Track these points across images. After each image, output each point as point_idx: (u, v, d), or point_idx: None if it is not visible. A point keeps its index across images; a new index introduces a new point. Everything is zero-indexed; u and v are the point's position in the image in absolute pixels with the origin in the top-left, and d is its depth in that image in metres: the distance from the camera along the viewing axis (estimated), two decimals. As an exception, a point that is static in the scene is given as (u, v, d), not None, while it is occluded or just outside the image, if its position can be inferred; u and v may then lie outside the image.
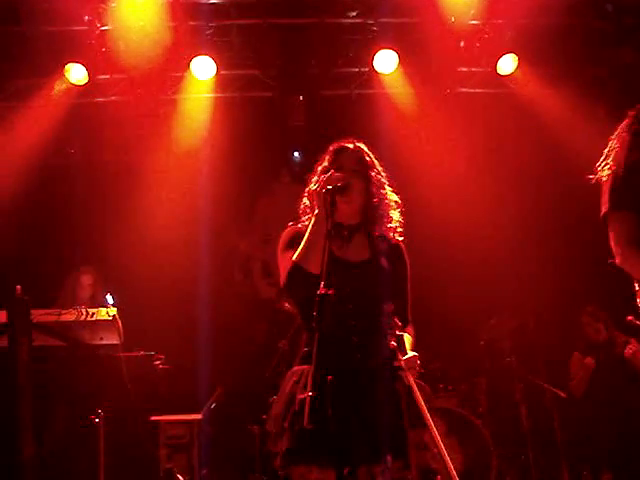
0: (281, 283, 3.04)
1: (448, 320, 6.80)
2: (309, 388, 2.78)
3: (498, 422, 6.25)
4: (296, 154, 7.65)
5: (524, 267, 7.02)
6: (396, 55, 6.70)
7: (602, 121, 6.40)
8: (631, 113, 3.43)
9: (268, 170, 7.63)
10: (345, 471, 2.82)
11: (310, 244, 2.96)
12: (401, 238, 3.28)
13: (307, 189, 3.22)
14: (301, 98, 7.09)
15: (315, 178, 3.19)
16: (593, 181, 3.42)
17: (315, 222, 2.97)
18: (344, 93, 7.18)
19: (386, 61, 6.75)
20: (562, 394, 6.28)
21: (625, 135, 3.39)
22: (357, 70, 7.05)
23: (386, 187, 3.25)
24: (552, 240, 7.04)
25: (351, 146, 3.20)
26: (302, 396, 2.85)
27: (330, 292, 2.73)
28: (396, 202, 3.27)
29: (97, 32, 6.24)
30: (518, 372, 6.42)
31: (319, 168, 3.21)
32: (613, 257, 3.37)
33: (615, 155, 3.40)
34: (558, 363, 6.59)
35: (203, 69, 6.55)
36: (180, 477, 5.50)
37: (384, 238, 3.22)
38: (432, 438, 2.92)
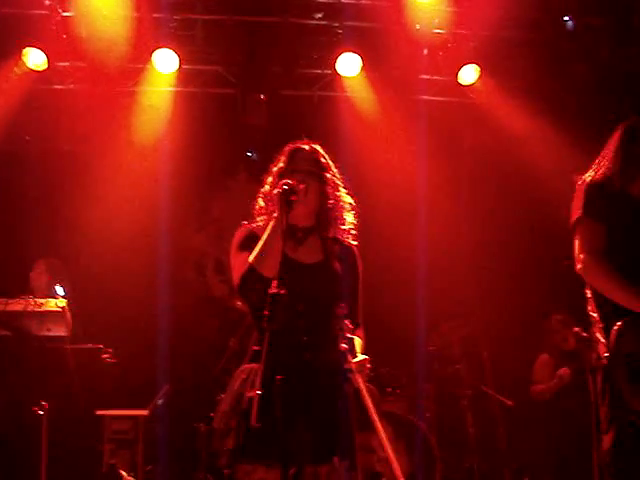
0: (234, 284, 3.03)
1: (399, 325, 6.85)
2: (257, 387, 2.79)
3: (444, 428, 6.30)
4: (249, 153, 7.63)
5: (478, 275, 7.11)
6: (360, 59, 6.73)
7: (559, 135, 6.51)
8: (622, 125, 3.56)
9: (225, 167, 7.59)
10: (291, 471, 2.82)
11: (267, 247, 2.95)
12: (355, 241, 3.29)
13: (262, 190, 3.22)
14: (262, 97, 7.06)
15: (270, 179, 3.19)
16: (579, 182, 3.50)
17: (274, 225, 2.96)
18: (306, 94, 7.18)
19: (349, 64, 6.77)
20: (508, 402, 6.37)
21: (613, 147, 3.54)
22: (320, 72, 7.06)
23: (341, 189, 3.25)
24: (506, 249, 7.14)
25: (307, 147, 3.20)
26: (250, 394, 2.85)
27: (282, 292, 2.73)
28: (350, 205, 3.27)
29: (58, 18, 6.15)
30: (466, 379, 6.48)
31: (274, 169, 3.21)
32: (570, 260, 3.45)
33: (599, 164, 3.54)
34: (506, 371, 6.68)
35: (165, 62, 6.49)
36: (123, 473, 5.43)
37: (338, 241, 3.23)
38: (379, 442, 2.93)
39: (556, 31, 6.72)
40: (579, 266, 3.36)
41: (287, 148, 3.22)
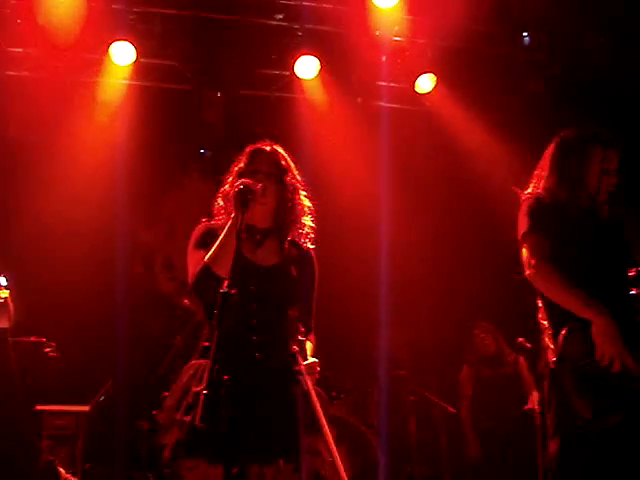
0: (189, 281, 3.02)
1: (345, 329, 6.88)
2: (204, 384, 2.78)
3: (387, 433, 6.34)
4: (202, 151, 7.58)
5: (425, 281, 7.19)
6: (318, 62, 6.74)
7: (510, 148, 6.61)
8: (557, 137, 3.61)
9: (179, 164, 7.53)
10: (234, 470, 2.82)
11: (222, 247, 2.94)
12: (312, 245, 3.31)
13: (222, 189, 3.21)
14: (219, 95, 7.03)
15: (230, 179, 3.19)
16: (519, 195, 3.55)
17: (230, 225, 2.96)
18: (263, 94, 7.17)
19: (307, 67, 6.79)
20: (451, 409, 6.44)
21: (548, 160, 3.59)
22: (278, 73, 7.05)
23: (301, 193, 3.26)
24: (455, 255, 7.23)
25: (268, 148, 3.20)
26: (197, 389, 2.86)
27: (232, 292, 2.74)
28: (309, 208, 3.28)
29: (12, 2, 6.02)
30: (410, 385, 6.54)
31: (235, 169, 3.20)
32: (519, 274, 3.50)
33: (538, 178, 3.59)
34: (450, 378, 6.76)
35: (122, 54, 6.40)
36: (61, 470, 5.33)
37: (295, 244, 3.24)
38: (326, 445, 2.94)
39: (512, 45, 6.84)
40: (528, 271, 3.40)
41: (248, 148, 3.22)
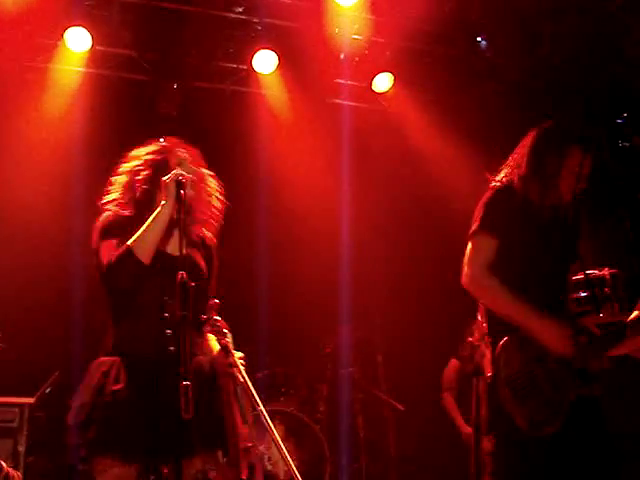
0: (103, 265, 2.96)
1: (296, 325, 6.89)
2: (122, 383, 2.85)
3: (335, 429, 6.36)
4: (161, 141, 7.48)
5: (377, 280, 7.23)
6: (276, 57, 6.73)
7: (465, 150, 6.69)
8: (535, 130, 3.51)
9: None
10: (152, 467, 2.81)
11: (150, 233, 2.93)
12: (210, 234, 3.33)
13: (127, 179, 3.17)
14: (175, 86, 6.95)
15: (140, 168, 3.17)
16: (489, 181, 3.45)
17: (161, 211, 2.94)
18: (219, 87, 7.11)
19: (265, 61, 6.76)
20: (399, 407, 6.48)
21: (524, 152, 3.50)
22: (235, 66, 6.99)
23: (210, 185, 3.25)
24: (410, 255, 7.28)
25: (179, 142, 3.24)
26: (116, 388, 2.84)
27: (192, 284, 2.72)
28: (215, 198, 3.28)
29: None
30: (359, 382, 6.57)
31: (147, 157, 3.20)
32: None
33: (510, 169, 3.51)
34: (399, 376, 6.81)
35: (78, 41, 6.27)
36: (2, 463, 5.21)
37: (201, 237, 3.26)
38: (271, 437, 2.93)
39: (469, 48, 6.91)
40: (464, 279, 3.39)
41: (160, 141, 3.21)
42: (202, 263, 3.17)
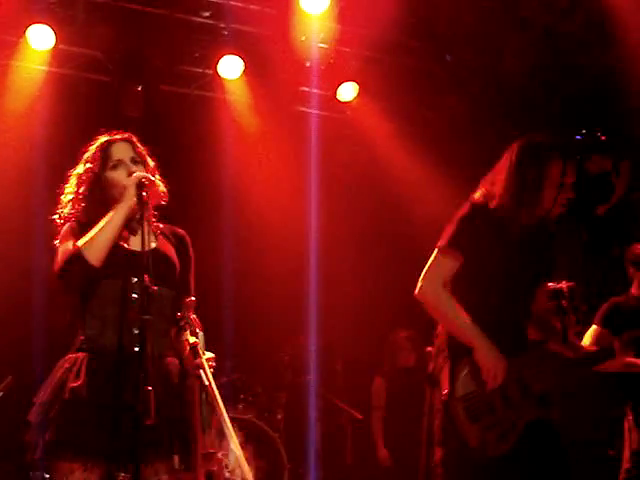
0: (56, 267, 2.91)
1: (256, 332, 6.86)
2: (81, 379, 2.76)
3: (293, 437, 6.33)
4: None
5: (340, 288, 7.23)
6: (242, 63, 6.71)
7: (429, 162, 6.75)
8: (518, 143, 3.40)
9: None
10: (114, 470, 2.74)
11: (102, 235, 2.87)
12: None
13: (81, 189, 3.08)
14: (140, 89, 6.88)
15: (86, 177, 3.08)
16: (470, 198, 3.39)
17: (116, 213, 2.89)
18: (184, 92, 7.08)
19: (231, 67, 6.75)
20: (358, 415, 6.47)
21: (506, 167, 3.41)
22: (201, 71, 6.98)
23: (157, 175, 3.21)
24: (373, 265, 7.30)
25: (122, 137, 3.15)
26: (74, 385, 2.77)
27: (154, 288, 2.69)
28: (164, 193, 3.21)
29: None
30: (318, 390, 6.55)
31: (89, 166, 3.10)
32: None
33: (491, 185, 3.44)
34: (358, 385, 6.81)
35: (41, 39, 6.17)
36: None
37: (168, 228, 3.22)
38: (231, 443, 2.90)
39: (435, 61, 6.98)
40: (417, 291, 3.38)
41: (100, 142, 3.14)
42: (173, 254, 3.11)
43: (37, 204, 6.40)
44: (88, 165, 3.10)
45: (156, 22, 6.49)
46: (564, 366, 3.41)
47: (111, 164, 3.05)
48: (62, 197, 3.13)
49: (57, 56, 6.42)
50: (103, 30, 6.43)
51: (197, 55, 6.90)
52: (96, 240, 2.85)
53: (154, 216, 3.15)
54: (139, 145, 3.17)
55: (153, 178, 3.02)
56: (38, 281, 6.58)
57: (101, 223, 2.88)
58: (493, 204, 3.36)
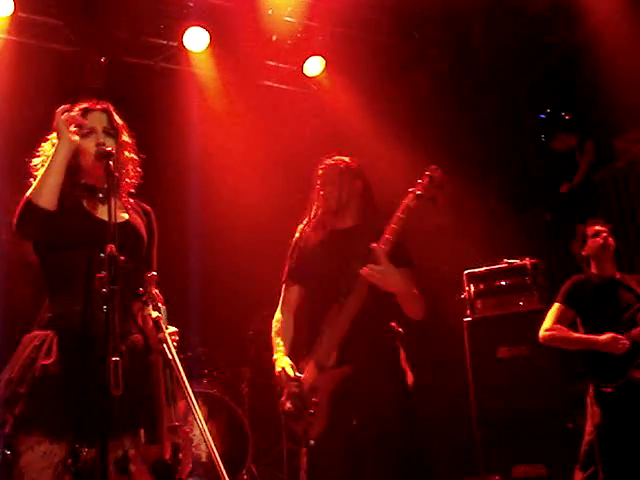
0: (13, 223, 2.85)
1: (221, 306, 6.84)
2: (53, 357, 2.72)
3: (257, 412, 6.34)
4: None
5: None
6: (208, 35, 6.62)
7: (394, 139, 6.75)
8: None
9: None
10: (80, 445, 2.71)
11: (47, 176, 2.82)
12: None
13: (49, 142, 3.01)
14: (103, 60, 6.76)
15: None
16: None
17: (55, 155, 2.83)
18: (148, 63, 6.96)
19: (196, 39, 6.66)
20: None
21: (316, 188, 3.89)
22: (165, 43, 6.86)
23: (132, 152, 3.15)
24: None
25: (100, 107, 3.08)
26: (46, 362, 2.72)
27: (122, 258, 2.65)
28: (138, 169, 3.16)
29: None
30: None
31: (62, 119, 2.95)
32: None
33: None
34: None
35: (-2, 6, 6.03)
36: None
37: (136, 203, 3.18)
38: (194, 417, 2.89)
39: (402, 38, 6.97)
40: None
41: (77, 109, 3.05)
42: (142, 228, 3.07)
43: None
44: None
45: (120, -8, 6.38)
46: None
47: (84, 131, 3.00)
48: (34, 160, 3.07)
49: (16, 24, 6.25)
50: (65, -1, 6.30)
51: (162, 26, 6.78)
52: (43, 183, 2.81)
53: (127, 192, 3.10)
54: (116, 118, 3.09)
55: (113, 149, 2.92)
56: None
57: (44, 167, 2.84)
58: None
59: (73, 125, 2.89)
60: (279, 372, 3.67)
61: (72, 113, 2.90)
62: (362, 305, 3.45)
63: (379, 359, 3.53)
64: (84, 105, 3.06)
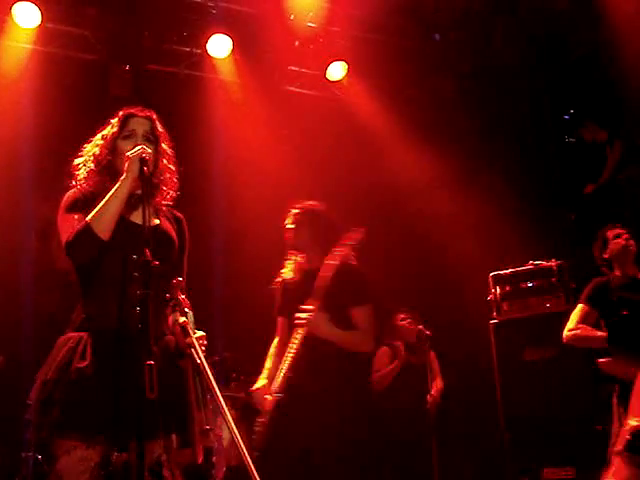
0: (63, 242, 2.88)
1: (248, 310, 6.86)
2: (87, 360, 2.75)
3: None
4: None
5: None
6: (231, 41, 6.68)
7: (416, 141, 6.76)
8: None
9: (82, 135, 7.25)
10: (115, 449, 2.74)
11: (108, 209, 2.86)
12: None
13: (91, 151, 3.10)
14: (127, 68, 6.83)
15: (101, 142, 3.10)
16: None
17: (120, 187, 2.87)
18: (173, 71, 7.03)
19: (220, 46, 6.72)
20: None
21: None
22: (189, 50, 6.93)
23: (171, 161, 3.20)
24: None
25: (142, 114, 3.14)
26: (81, 365, 2.76)
27: (156, 263, 2.68)
28: (177, 178, 3.21)
29: None
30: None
31: (105, 132, 3.12)
32: None
33: None
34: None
35: (26, 17, 6.10)
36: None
37: (168, 210, 3.20)
38: (225, 421, 2.91)
39: (424, 41, 6.98)
40: None
41: (122, 112, 3.14)
42: (173, 233, 3.11)
43: (24, 185, 6.38)
44: (106, 132, 3.12)
45: (144, 1, 6.45)
46: None
47: (125, 134, 3.06)
48: (76, 160, 3.12)
49: (43, 34, 6.35)
50: (90, 8, 6.37)
51: (186, 34, 6.85)
52: (103, 214, 2.85)
53: (164, 200, 3.14)
54: (159, 126, 3.14)
55: (149, 156, 2.96)
56: (26, 262, 6.58)
57: (107, 197, 2.87)
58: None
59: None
60: (253, 390, 4.20)
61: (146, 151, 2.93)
62: (304, 339, 3.88)
63: (317, 389, 3.85)
64: (129, 110, 3.12)
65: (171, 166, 3.17)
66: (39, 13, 6.10)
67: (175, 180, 3.19)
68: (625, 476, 3.81)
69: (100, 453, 2.74)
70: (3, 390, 5.90)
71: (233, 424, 2.93)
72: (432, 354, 6.31)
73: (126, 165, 2.89)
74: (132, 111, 3.13)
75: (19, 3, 6.03)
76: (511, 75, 6.88)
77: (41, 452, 5.23)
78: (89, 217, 2.84)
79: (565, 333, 4.78)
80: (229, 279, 6.84)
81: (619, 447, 3.89)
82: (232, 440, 2.87)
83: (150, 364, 2.58)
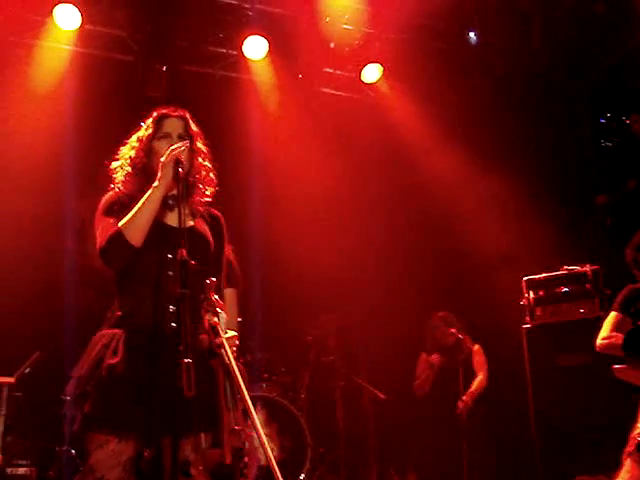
0: (98, 246, 2.93)
1: (281, 312, 6.89)
2: (119, 356, 2.79)
3: (316, 416, 6.37)
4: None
5: (362, 268, 7.25)
6: (267, 43, 6.71)
7: (452, 144, 6.73)
8: None
9: (118, 135, 7.33)
10: (148, 444, 2.80)
11: (142, 215, 2.89)
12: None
13: (127, 154, 3.14)
14: (164, 69, 6.90)
15: (136, 144, 3.13)
16: None
17: (153, 192, 2.91)
18: (209, 72, 7.08)
19: (256, 47, 6.75)
20: (381, 395, 6.49)
21: None
22: (225, 51, 6.98)
23: (207, 159, 3.23)
24: (393, 245, 7.29)
25: (176, 114, 3.17)
26: (112, 361, 2.80)
27: (192, 262, 2.72)
28: (214, 176, 3.24)
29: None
30: (340, 370, 6.59)
31: (140, 134, 3.16)
32: None
33: None
34: (381, 365, 6.84)
35: (67, 19, 6.19)
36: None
37: (205, 209, 3.22)
38: (251, 421, 2.92)
39: (459, 44, 6.95)
40: None
41: (155, 113, 3.17)
42: (208, 234, 3.13)
43: (64, 184, 6.46)
44: (141, 133, 3.16)
45: (181, 3, 6.51)
46: None
47: (159, 135, 3.09)
48: (114, 164, 3.17)
49: (83, 36, 6.45)
50: (128, 10, 6.45)
51: (221, 35, 6.90)
52: (136, 221, 2.88)
53: (200, 197, 3.16)
54: (192, 125, 3.18)
55: (183, 155, 2.98)
56: (67, 259, 6.66)
57: (140, 202, 2.90)
58: None
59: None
60: None
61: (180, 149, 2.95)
62: None
63: None
64: (163, 111, 3.15)
65: (207, 163, 3.19)
66: (79, 15, 6.19)
67: (212, 177, 3.22)
68: (636, 476, 3.79)
69: (132, 448, 2.78)
70: (41, 385, 6.00)
71: (259, 424, 2.95)
72: (476, 348, 6.26)
73: (160, 170, 2.92)
74: (165, 111, 3.17)
75: (60, 5, 6.12)
76: (548, 77, 6.82)
77: (75, 446, 5.35)
78: (121, 223, 2.87)
79: (598, 342, 4.68)
80: (265, 280, 6.85)
81: (630, 448, 3.82)
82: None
83: (188, 362, 2.61)
